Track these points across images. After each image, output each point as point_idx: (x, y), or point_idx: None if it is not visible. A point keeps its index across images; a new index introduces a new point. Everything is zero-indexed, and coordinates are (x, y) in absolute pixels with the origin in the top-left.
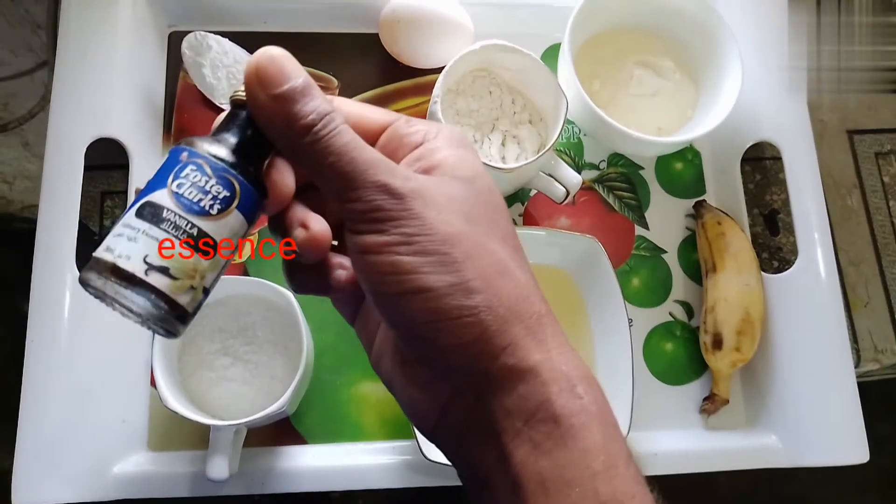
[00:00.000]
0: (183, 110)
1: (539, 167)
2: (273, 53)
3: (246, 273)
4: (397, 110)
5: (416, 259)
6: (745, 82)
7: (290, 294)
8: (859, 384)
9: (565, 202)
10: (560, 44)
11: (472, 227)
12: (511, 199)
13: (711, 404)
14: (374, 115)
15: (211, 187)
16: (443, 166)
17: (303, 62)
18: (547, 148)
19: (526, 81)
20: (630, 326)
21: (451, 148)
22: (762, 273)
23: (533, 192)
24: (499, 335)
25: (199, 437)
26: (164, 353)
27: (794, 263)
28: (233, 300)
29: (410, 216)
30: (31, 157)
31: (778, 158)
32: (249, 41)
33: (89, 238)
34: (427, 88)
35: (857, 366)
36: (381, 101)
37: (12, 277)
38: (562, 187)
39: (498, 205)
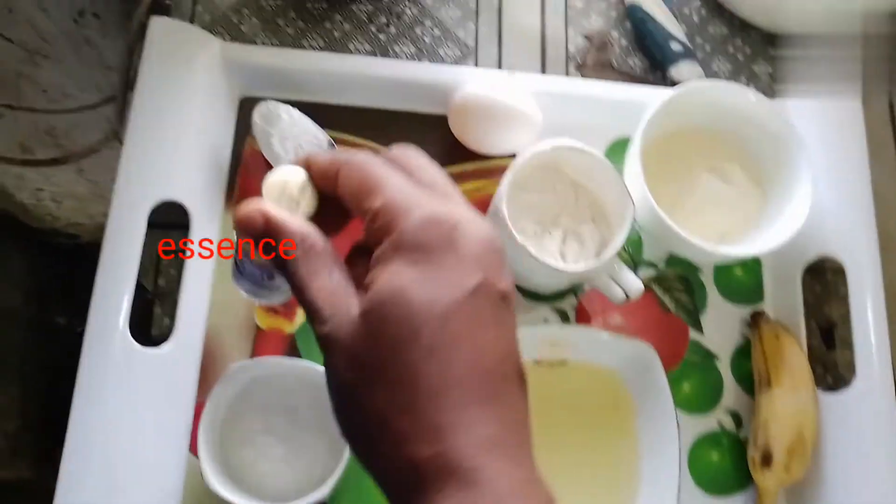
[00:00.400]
0: (247, 176)
1: (601, 270)
2: (242, 209)
3: (295, 348)
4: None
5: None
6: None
7: None
8: None
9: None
10: (627, 138)
11: (354, 378)
12: (566, 292)
13: None
14: (365, 199)
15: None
16: (367, 285)
17: (369, 137)
18: (610, 252)
19: (591, 177)
20: (679, 437)
21: (392, 257)
22: (817, 390)
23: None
24: (388, 490)
25: None
26: (208, 429)
27: (849, 381)
28: (279, 380)
29: (326, 359)
30: (82, 181)
31: (840, 270)
32: (320, 112)
33: (142, 296)
34: (489, 172)
35: None
36: None
37: (52, 290)
38: (621, 291)
39: (403, 338)
